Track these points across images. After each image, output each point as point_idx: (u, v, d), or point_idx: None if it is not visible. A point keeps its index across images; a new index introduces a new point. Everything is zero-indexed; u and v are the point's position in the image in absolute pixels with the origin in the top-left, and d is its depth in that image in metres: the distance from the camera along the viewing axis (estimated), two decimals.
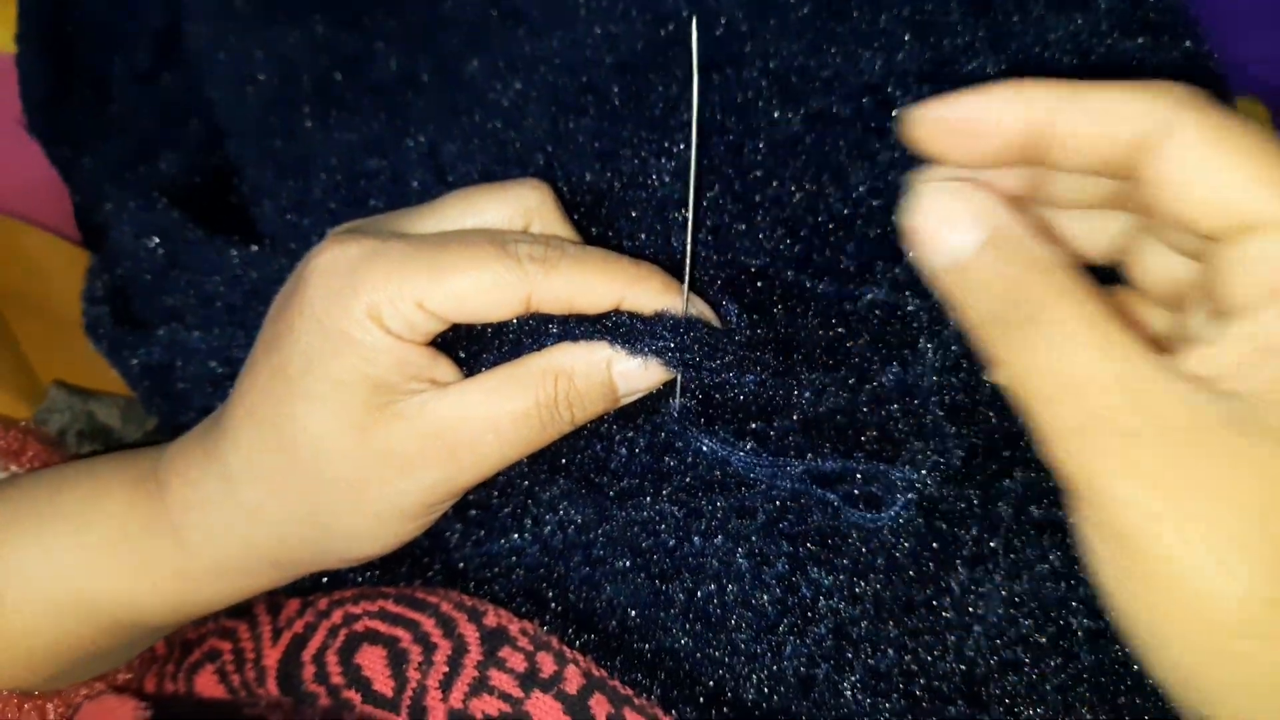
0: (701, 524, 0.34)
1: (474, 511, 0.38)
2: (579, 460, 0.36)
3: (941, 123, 0.26)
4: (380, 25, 0.48)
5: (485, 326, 0.34)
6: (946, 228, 0.25)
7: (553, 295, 0.32)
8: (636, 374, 0.33)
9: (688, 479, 0.35)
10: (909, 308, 0.34)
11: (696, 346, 0.32)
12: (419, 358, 0.32)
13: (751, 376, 0.33)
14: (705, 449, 0.34)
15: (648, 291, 0.32)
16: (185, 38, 0.53)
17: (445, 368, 0.33)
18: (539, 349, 0.33)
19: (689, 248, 0.33)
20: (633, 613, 0.35)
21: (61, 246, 0.54)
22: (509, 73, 0.42)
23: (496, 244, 0.32)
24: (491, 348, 0.34)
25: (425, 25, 0.47)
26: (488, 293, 0.31)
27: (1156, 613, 0.23)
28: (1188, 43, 0.40)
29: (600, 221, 0.38)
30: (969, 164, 0.26)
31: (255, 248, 0.43)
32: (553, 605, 0.36)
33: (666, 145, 0.37)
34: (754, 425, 0.34)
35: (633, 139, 0.37)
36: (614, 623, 0.36)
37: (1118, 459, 0.22)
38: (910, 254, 0.26)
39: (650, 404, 0.35)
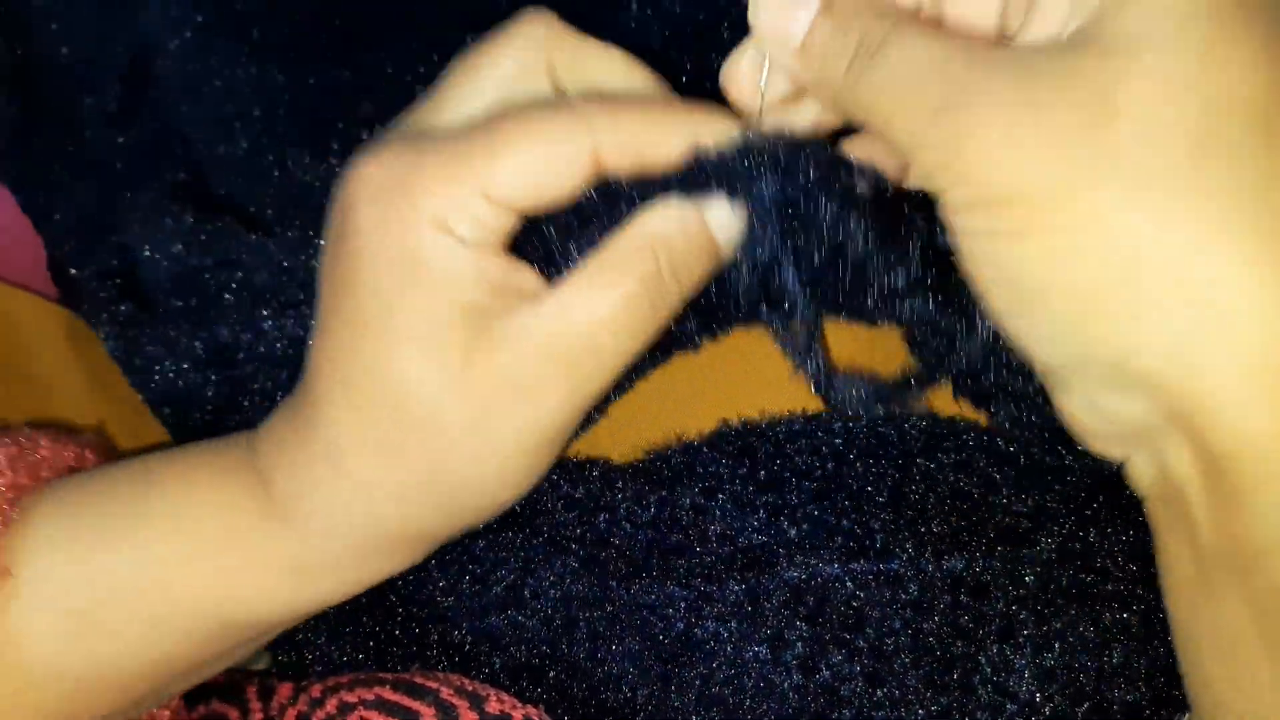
0: (714, 609, 0.33)
1: (470, 585, 0.36)
2: (580, 535, 0.34)
3: None
4: (372, 61, 0.46)
5: (561, 232, 0.30)
6: (788, 7, 0.27)
7: (619, 141, 0.28)
8: (734, 216, 0.29)
9: (697, 559, 0.33)
10: None
11: (788, 182, 0.29)
12: (498, 268, 0.28)
13: (854, 219, 0.29)
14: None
15: (725, 128, 0.29)
16: (158, 77, 0.51)
17: (527, 275, 0.29)
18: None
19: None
20: (641, 694, 0.34)
21: (34, 302, 0.52)
22: None
23: (549, 104, 0.29)
24: (571, 250, 0.30)
25: (419, 59, 0.45)
26: (552, 154, 0.28)
27: (1051, 256, 0.22)
28: None
29: None
30: None
31: (308, 245, 0.40)
32: (555, 684, 0.35)
33: None
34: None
35: None
36: (620, 705, 0.34)
37: (978, 125, 0.22)
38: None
39: (658, 475, 0.34)
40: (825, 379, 0.32)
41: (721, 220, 0.29)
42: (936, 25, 0.27)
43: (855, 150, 0.30)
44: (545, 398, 0.29)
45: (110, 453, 0.41)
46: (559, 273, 0.30)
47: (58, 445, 0.37)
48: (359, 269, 0.28)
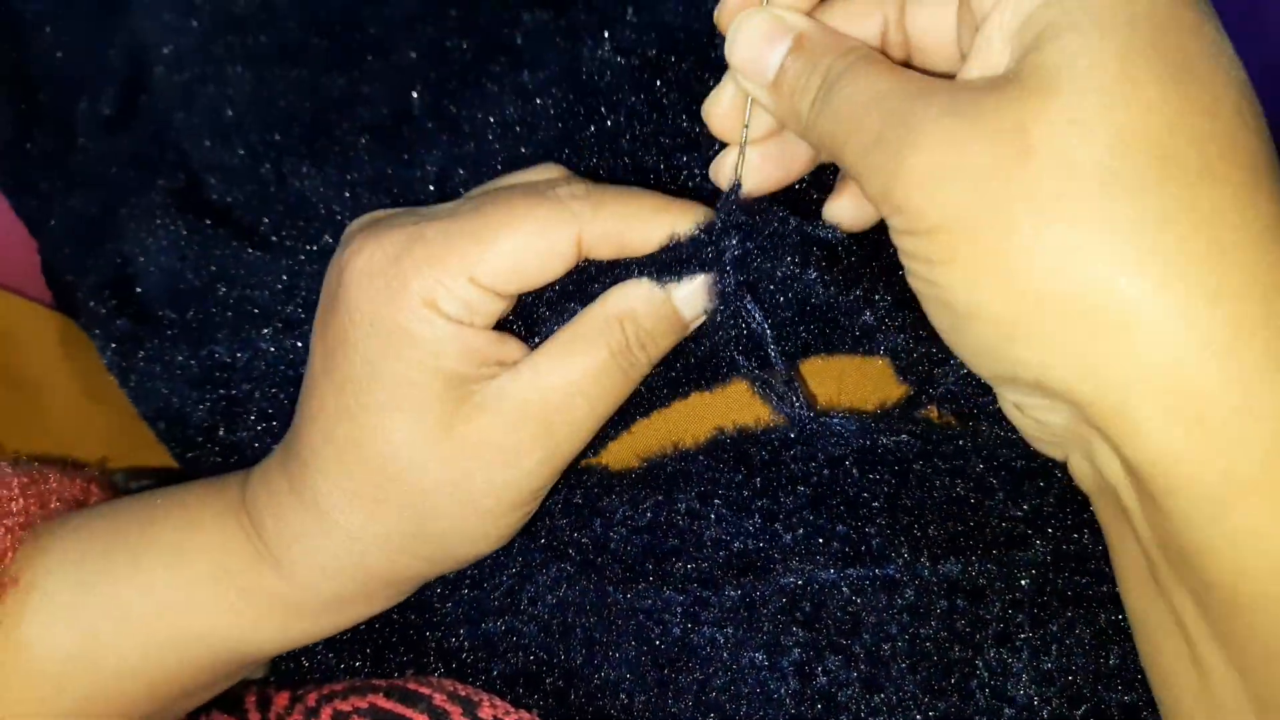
0: (710, 614, 0.33)
1: (468, 591, 0.36)
2: (576, 540, 0.34)
3: None
4: (368, 67, 0.46)
5: (539, 303, 0.32)
6: (762, 48, 0.28)
7: (602, 232, 0.30)
8: (699, 294, 0.31)
9: (693, 563, 0.33)
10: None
11: (753, 248, 0.31)
12: (484, 343, 0.30)
13: (814, 272, 0.32)
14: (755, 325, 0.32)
15: (702, 219, 0.31)
16: (155, 84, 0.50)
17: (511, 347, 0.31)
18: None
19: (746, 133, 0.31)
20: (639, 699, 0.34)
21: (28, 308, 0.52)
22: (510, 99, 0.40)
23: (535, 192, 0.30)
24: (546, 320, 0.32)
25: (415, 67, 0.45)
26: (537, 243, 0.29)
27: (973, 283, 0.23)
28: None
29: None
30: None
31: (303, 255, 0.40)
32: (552, 691, 0.34)
33: (694, 137, 0.35)
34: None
35: (657, 136, 0.36)
36: (618, 711, 0.34)
37: (908, 157, 0.24)
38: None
39: (654, 481, 0.34)
40: (808, 422, 0.34)
41: (687, 297, 0.31)
42: (904, 45, 0.29)
43: (838, 199, 0.31)
44: (522, 459, 0.30)
45: (113, 488, 0.43)
46: (540, 343, 0.31)
47: (65, 478, 0.39)
48: (350, 336, 0.30)
